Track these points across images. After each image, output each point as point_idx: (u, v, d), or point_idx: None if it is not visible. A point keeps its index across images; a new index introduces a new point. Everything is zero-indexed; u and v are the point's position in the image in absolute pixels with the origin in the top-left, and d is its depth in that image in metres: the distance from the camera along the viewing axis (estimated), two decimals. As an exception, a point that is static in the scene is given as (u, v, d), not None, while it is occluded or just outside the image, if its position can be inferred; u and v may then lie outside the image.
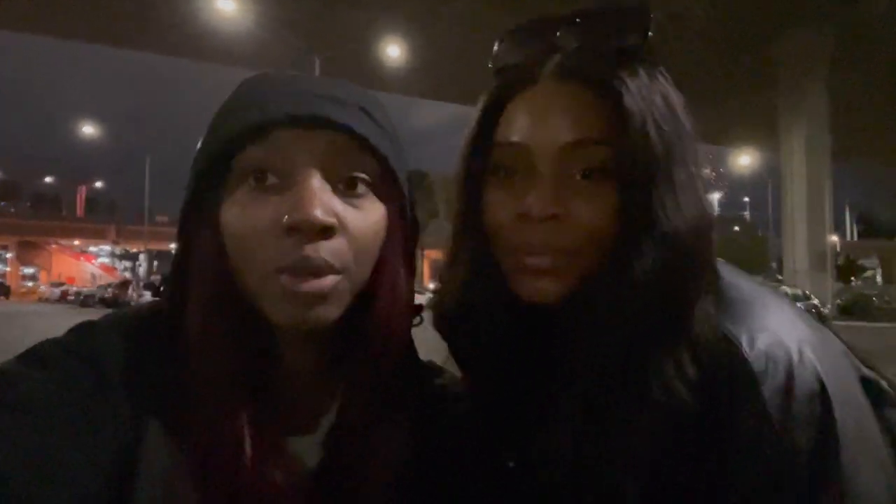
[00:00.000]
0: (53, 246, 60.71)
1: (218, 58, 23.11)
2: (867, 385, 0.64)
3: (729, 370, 0.58)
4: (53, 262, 60.52)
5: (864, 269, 49.48)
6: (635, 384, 0.60)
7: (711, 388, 0.59)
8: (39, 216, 62.06)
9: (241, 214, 0.62)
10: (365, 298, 0.68)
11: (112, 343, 0.63)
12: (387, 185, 0.68)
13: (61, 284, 45.63)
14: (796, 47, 20.87)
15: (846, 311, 23.57)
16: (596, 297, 0.63)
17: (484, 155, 0.71)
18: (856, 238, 70.02)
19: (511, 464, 0.72)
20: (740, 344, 0.59)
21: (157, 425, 0.61)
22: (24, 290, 53.74)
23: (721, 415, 0.58)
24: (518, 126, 0.68)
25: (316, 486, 0.66)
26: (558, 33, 0.69)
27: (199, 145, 0.68)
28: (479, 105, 0.73)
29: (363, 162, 0.65)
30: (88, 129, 46.64)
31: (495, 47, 0.74)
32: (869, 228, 73.07)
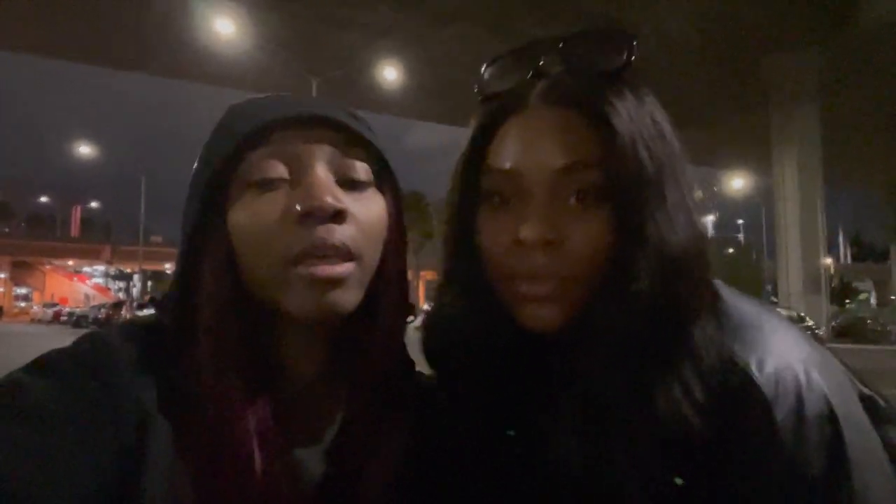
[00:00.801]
0: (47, 266, 60.47)
1: (215, 80, 23.29)
2: (866, 403, 0.64)
3: (739, 394, 0.58)
4: (47, 283, 60.24)
5: (859, 292, 49.70)
6: (642, 407, 0.59)
7: (720, 411, 0.58)
8: (34, 236, 61.91)
9: (252, 213, 0.64)
10: (370, 292, 0.69)
11: (118, 352, 0.63)
12: (384, 180, 0.71)
13: (54, 305, 45.38)
14: (786, 70, 21.13)
15: (841, 334, 23.60)
16: (594, 322, 0.63)
17: (475, 181, 0.71)
18: (849, 261, 70.35)
19: (515, 456, 0.72)
20: (750, 368, 0.59)
21: (162, 434, 0.61)
22: (16, 310, 53.45)
23: (731, 439, 0.58)
24: (509, 152, 0.68)
25: (320, 495, 0.66)
26: (542, 58, 0.70)
27: (195, 164, 0.69)
28: (469, 131, 0.73)
29: (360, 157, 0.68)
30: (84, 150, 46.72)
31: (481, 74, 0.75)
32: (862, 251, 73.47)
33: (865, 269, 59.94)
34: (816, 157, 22.01)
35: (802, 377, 0.59)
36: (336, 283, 0.63)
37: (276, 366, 0.69)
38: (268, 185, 0.64)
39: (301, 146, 0.65)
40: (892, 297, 43.46)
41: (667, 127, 0.68)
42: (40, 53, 23.75)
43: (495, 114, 0.71)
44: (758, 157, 26.06)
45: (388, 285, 0.70)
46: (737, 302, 0.67)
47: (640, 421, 0.59)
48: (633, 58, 0.67)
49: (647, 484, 0.59)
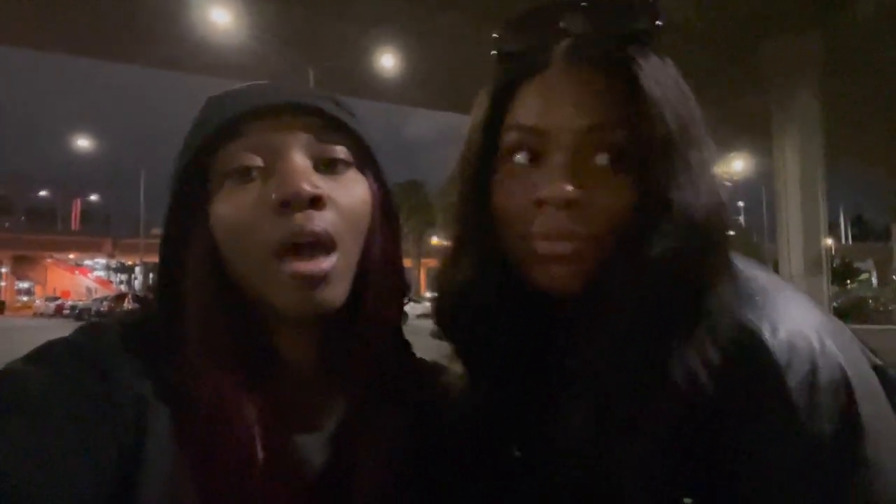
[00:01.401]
0: (49, 260, 60.44)
1: (213, 70, 23.14)
2: (878, 374, 0.64)
3: (752, 360, 0.58)
4: (49, 276, 60.25)
5: (860, 272, 49.60)
6: (655, 369, 0.59)
7: (732, 376, 0.58)
8: (34, 230, 61.86)
9: (231, 206, 0.64)
10: (358, 279, 0.68)
11: (117, 344, 0.63)
12: (364, 162, 0.71)
13: (56, 299, 45.43)
14: (784, 52, 20.95)
15: (843, 314, 23.59)
16: (613, 282, 0.62)
17: (493, 139, 0.70)
18: (850, 241, 70.23)
19: (518, 453, 0.71)
20: (762, 334, 0.58)
21: (160, 426, 0.61)
22: (19, 304, 53.48)
23: (743, 404, 0.57)
24: (533, 110, 0.66)
25: (319, 485, 0.66)
26: (564, 18, 0.68)
27: (179, 152, 0.68)
28: (486, 93, 0.72)
29: (338, 141, 0.68)
30: (84, 143, 46.60)
31: (497, 34, 0.72)
32: (863, 231, 73.39)
33: (866, 249, 59.84)
34: (817, 138, 21.87)
35: (816, 344, 0.58)
36: (322, 278, 0.63)
37: (270, 356, 0.68)
38: (244, 175, 0.64)
39: (275, 134, 0.64)
40: (894, 277, 43.45)
41: (690, 93, 0.67)
42: (36, 47, 23.60)
43: (517, 72, 0.69)
44: (758, 138, 25.92)
45: (377, 270, 0.70)
46: (751, 270, 0.66)
47: (655, 383, 0.59)
48: (657, 22, 0.66)
49: (654, 466, 0.59)
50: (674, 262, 0.60)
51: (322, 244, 0.64)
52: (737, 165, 35.52)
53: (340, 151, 0.68)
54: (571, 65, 0.66)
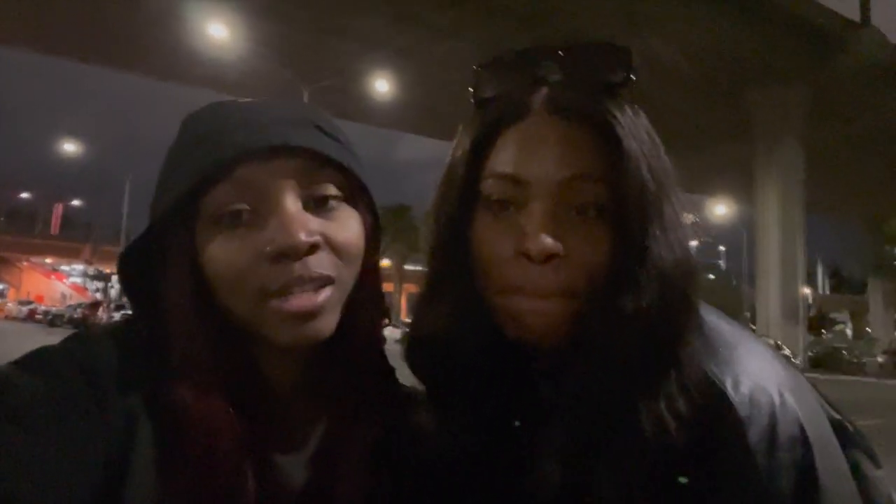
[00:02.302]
0: (25, 263, 59.53)
1: (207, 83, 23.19)
2: (835, 427, 0.65)
3: (715, 412, 0.59)
4: (23, 280, 59.26)
5: (836, 323, 50.21)
6: (627, 419, 0.60)
7: (698, 428, 0.59)
8: (13, 232, 60.98)
9: (222, 250, 0.63)
10: (346, 304, 0.68)
11: (107, 354, 0.63)
12: (355, 194, 0.70)
13: (30, 303, 44.63)
14: (771, 102, 21.49)
15: (817, 364, 23.82)
16: (590, 336, 0.63)
17: (472, 187, 0.70)
18: (828, 292, 71.19)
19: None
20: (725, 387, 0.59)
21: (147, 440, 0.60)
22: (-10, 306, 52.49)
23: (706, 455, 0.58)
24: (512, 159, 0.67)
25: (303, 502, 0.66)
26: (541, 65, 0.69)
27: (157, 184, 0.67)
28: (465, 135, 0.72)
29: (328, 177, 0.67)
30: (68, 147, 46.25)
31: (476, 77, 0.73)
32: (840, 283, 74.42)
33: (843, 301, 60.70)
34: (798, 188, 22.34)
35: (776, 398, 0.60)
36: (313, 314, 0.63)
37: (253, 377, 0.68)
38: (235, 219, 0.63)
39: (265, 177, 0.63)
40: (868, 330, 44.03)
41: (660, 144, 0.69)
42: (31, 49, 23.55)
43: (495, 119, 0.69)
44: (741, 185, 26.38)
45: (364, 296, 0.70)
46: (715, 321, 0.67)
47: (626, 435, 0.60)
48: (632, 74, 0.68)
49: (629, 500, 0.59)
50: (648, 317, 0.62)
51: (319, 284, 0.64)
52: (719, 209, 36.04)
53: (331, 188, 0.67)
54: (551, 115, 0.67)
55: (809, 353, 24.40)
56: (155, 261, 0.66)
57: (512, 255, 0.65)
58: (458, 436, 0.72)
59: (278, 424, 0.69)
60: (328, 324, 0.65)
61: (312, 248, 0.63)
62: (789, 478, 0.57)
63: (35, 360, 0.60)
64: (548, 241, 0.63)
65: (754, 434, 0.57)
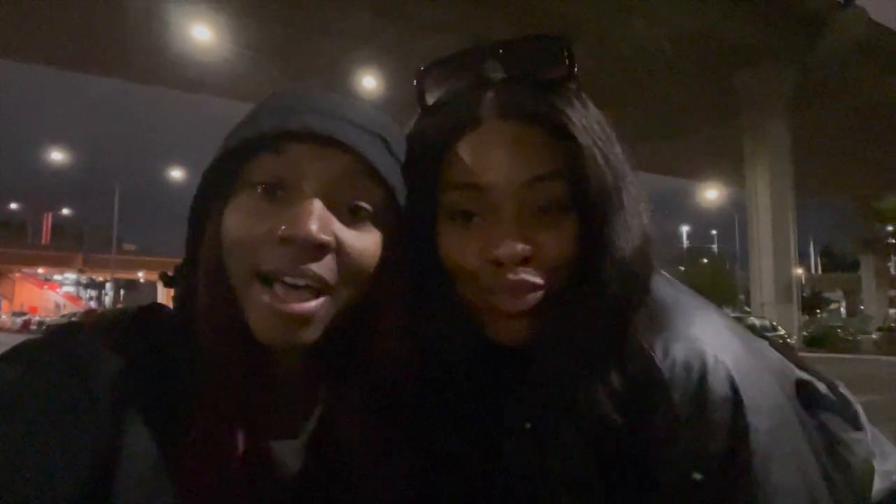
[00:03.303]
0: (17, 274, 59.20)
1: (193, 86, 23.09)
2: (803, 389, 0.66)
3: (644, 380, 0.61)
4: (16, 291, 58.97)
5: (830, 302, 50.56)
6: (566, 400, 0.62)
7: (630, 398, 0.61)
8: (3, 243, 60.63)
9: (242, 220, 0.63)
10: (360, 317, 0.68)
11: (94, 343, 0.62)
12: (390, 217, 0.68)
13: (24, 314, 44.47)
14: (759, 84, 21.54)
15: (812, 343, 23.96)
16: (561, 328, 0.65)
17: (434, 196, 0.69)
18: (820, 271, 71.60)
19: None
20: (654, 354, 0.61)
21: (138, 429, 0.60)
22: (-16, 319, 52.18)
23: (639, 422, 0.60)
24: (470, 168, 0.67)
25: (296, 490, 0.66)
26: (484, 65, 0.69)
27: (224, 139, 0.68)
28: (419, 146, 0.70)
29: (370, 189, 0.66)
30: (56, 156, 46.00)
31: (418, 81, 0.73)
32: (833, 262, 74.86)
33: (836, 280, 61.04)
34: (788, 169, 22.42)
35: (710, 361, 0.60)
36: (303, 320, 0.62)
37: (259, 356, 0.67)
38: (266, 191, 0.63)
39: (310, 164, 0.63)
40: (861, 308, 44.34)
41: (613, 133, 0.69)
42: (15, 58, 23.36)
43: (446, 126, 0.69)
44: (731, 168, 26.47)
45: (382, 314, 0.69)
46: (662, 292, 0.68)
47: (571, 415, 0.62)
48: (574, 67, 0.68)
49: (577, 476, 0.62)
50: (607, 304, 0.63)
51: (315, 286, 0.63)
52: (710, 194, 36.13)
53: (366, 203, 0.66)
54: (501, 120, 0.67)
55: (804, 333, 24.55)
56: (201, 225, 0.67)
57: (484, 262, 0.66)
58: (449, 434, 0.73)
59: (276, 413, 0.69)
60: (312, 334, 0.64)
61: (321, 248, 0.62)
62: (720, 438, 0.57)
63: (19, 353, 0.60)
64: (517, 246, 0.64)
65: (678, 394, 0.59)
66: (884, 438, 0.71)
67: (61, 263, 57.61)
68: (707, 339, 0.62)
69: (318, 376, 0.71)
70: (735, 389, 0.59)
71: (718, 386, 0.59)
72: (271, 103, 0.68)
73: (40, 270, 59.97)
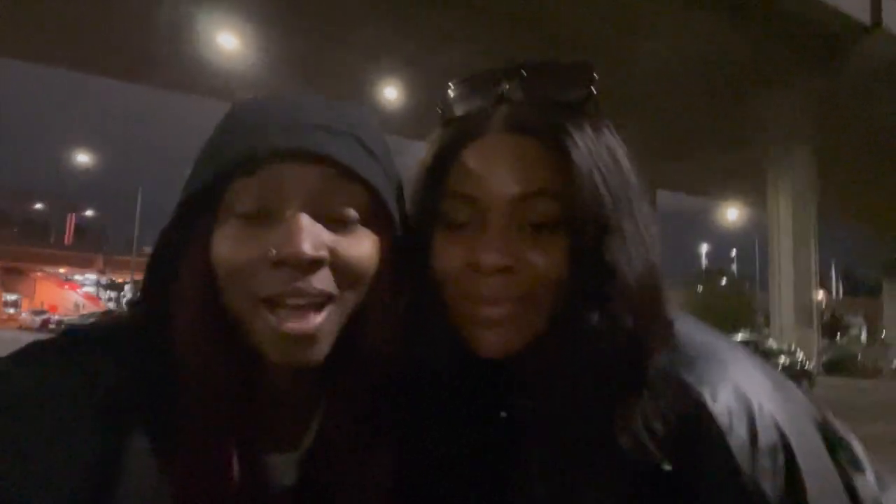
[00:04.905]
0: (38, 273, 60.05)
1: (217, 93, 23.36)
2: (823, 430, 0.66)
3: (695, 425, 0.59)
4: (37, 290, 59.77)
5: (850, 327, 49.77)
6: (603, 439, 0.60)
7: (678, 442, 0.59)
8: (27, 242, 61.56)
9: (231, 248, 0.62)
10: (353, 325, 0.67)
11: (103, 347, 0.63)
12: (378, 217, 0.68)
13: (43, 312, 45.01)
14: (781, 106, 21.36)
15: (831, 368, 23.60)
16: (548, 351, 0.64)
17: (433, 204, 0.71)
18: (841, 295, 70.62)
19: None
20: (704, 399, 0.60)
21: (141, 437, 0.60)
22: (5, 316, 52.93)
23: (689, 468, 0.59)
24: (467, 177, 0.68)
25: (297, 502, 0.66)
26: (505, 85, 0.70)
27: (193, 166, 0.67)
28: (428, 153, 0.73)
29: (353, 192, 0.65)
30: (83, 158, 46.82)
31: (442, 97, 0.75)
32: (854, 286, 73.84)
33: (857, 304, 60.16)
34: (811, 191, 22.19)
35: (755, 407, 0.60)
36: (309, 339, 0.62)
37: (254, 375, 0.67)
38: (251, 217, 0.62)
39: (288, 182, 0.62)
40: (883, 334, 43.57)
41: (624, 161, 0.69)
42: (43, 63, 23.82)
43: (456, 138, 0.71)
44: (752, 189, 26.23)
45: (374, 315, 0.68)
46: (691, 332, 0.68)
47: (606, 455, 0.60)
48: (594, 91, 0.69)
49: None
50: (608, 332, 0.62)
51: (318, 300, 0.63)
52: (731, 214, 35.78)
53: (352, 204, 0.65)
54: (507, 133, 0.68)
55: (824, 358, 24.16)
56: (178, 250, 0.66)
57: (467, 268, 0.67)
58: (443, 447, 0.73)
59: (274, 426, 0.69)
60: (321, 349, 0.64)
61: (316, 263, 0.61)
62: (774, 482, 0.57)
63: (27, 354, 0.61)
64: (496, 255, 0.64)
65: (736, 442, 0.58)
66: (878, 467, 0.70)
67: (82, 264, 58.40)
68: (747, 384, 0.62)
69: (316, 387, 0.70)
70: (782, 434, 0.59)
71: (768, 430, 0.59)
72: (234, 125, 0.66)
73: (62, 270, 60.80)
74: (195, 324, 0.64)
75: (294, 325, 0.61)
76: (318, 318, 0.62)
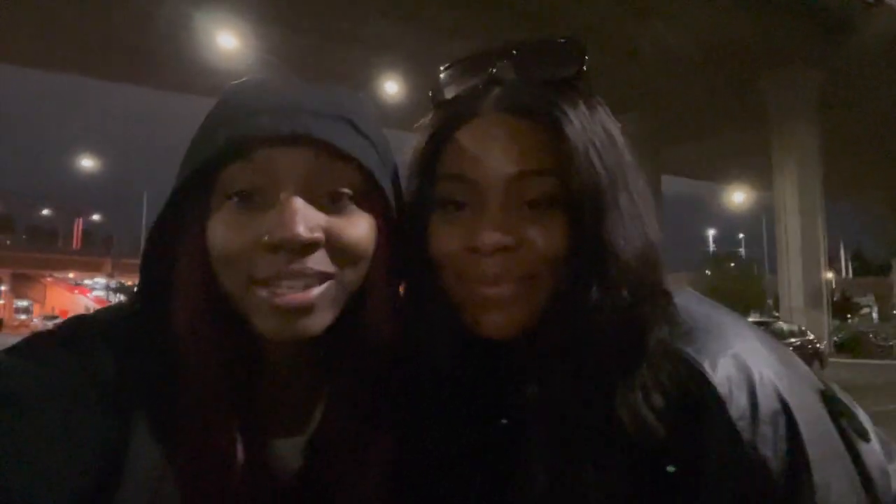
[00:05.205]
0: (48, 278, 60.40)
1: (217, 93, 23.39)
2: (823, 397, 0.66)
3: (695, 396, 0.59)
4: (47, 295, 60.14)
5: (860, 307, 49.47)
6: (604, 416, 0.61)
7: (677, 414, 0.60)
8: (35, 248, 61.89)
9: (226, 233, 0.63)
10: (354, 305, 0.68)
11: (104, 339, 0.63)
12: (372, 198, 0.68)
13: (54, 317, 45.28)
14: (785, 86, 21.18)
15: (843, 348, 23.49)
16: (550, 329, 0.64)
17: (429, 187, 0.71)
18: (851, 275, 70.19)
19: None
20: (704, 370, 0.60)
21: (144, 426, 0.60)
22: (16, 322, 53.29)
23: (690, 439, 0.59)
24: (463, 159, 0.68)
25: (299, 488, 0.66)
26: (496, 65, 0.70)
27: (186, 151, 0.67)
28: (422, 137, 0.73)
29: (347, 175, 0.65)
30: (88, 163, 47.05)
31: (434, 80, 0.75)
32: (864, 266, 73.36)
33: (867, 284, 59.77)
34: (817, 171, 22.01)
35: (756, 376, 0.60)
36: (305, 309, 0.62)
37: (254, 361, 0.68)
38: (245, 199, 0.63)
39: (280, 165, 0.62)
40: (894, 312, 43.32)
41: (619, 136, 0.69)
42: (45, 67, 23.89)
43: (449, 120, 0.71)
44: (759, 171, 26.07)
45: (375, 298, 0.69)
46: (691, 305, 0.68)
47: (608, 431, 0.60)
48: (584, 67, 0.69)
49: (614, 496, 0.60)
50: (607, 307, 0.62)
51: (314, 280, 0.63)
52: (737, 197, 35.60)
53: (346, 185, 0.65)
54: (500, 113, 0.68)
55: (835, 339, 24.06)
56: (173, 238, 0.66)
57: (466, 250, 0.67)
58: (446, 432, 0.73)
59: (278, 412, 0.69)
60: (319, 321, 0.64)
61: (312, 246, 0.61)
62: (777, 451, 0.57)
63: (29, 347, 0.61)
64: (496, 235, 0.64)
65: (735, 411, 0.58)
66: (885, 437, 0.70)
67: (91, 268, 58.69)
68: (748, 354, 0.62)
69: (320, 371, 0.71)
70: (783, 401, 0.59)
71: (768, 399, 0.59)
72: (223, 110, 0.66)
73: (71, 275, 61.12)
74: (194, 309, 0.64)
75: (288, 298, 0.61)
76: (313, 292, 0.62)
